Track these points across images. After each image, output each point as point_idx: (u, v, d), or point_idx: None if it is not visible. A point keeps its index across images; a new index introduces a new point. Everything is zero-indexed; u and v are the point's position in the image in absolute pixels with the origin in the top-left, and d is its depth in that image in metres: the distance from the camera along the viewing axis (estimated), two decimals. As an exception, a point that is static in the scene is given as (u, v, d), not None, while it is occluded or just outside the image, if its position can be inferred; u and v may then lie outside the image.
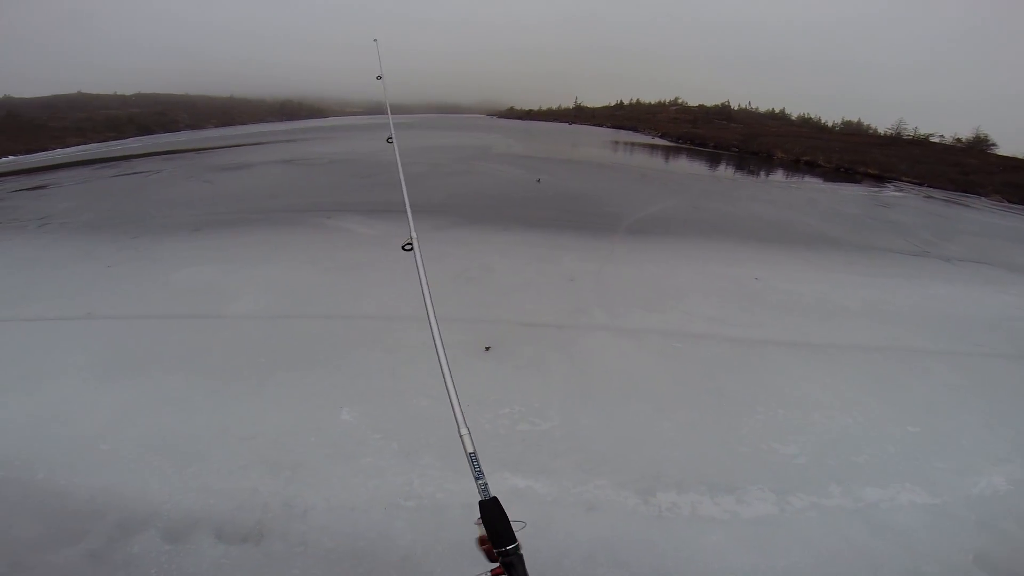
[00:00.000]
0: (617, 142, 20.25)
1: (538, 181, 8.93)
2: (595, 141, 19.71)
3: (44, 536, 2.43)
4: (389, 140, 2.72)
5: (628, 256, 6.13)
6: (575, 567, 2.27)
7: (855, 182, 16.11)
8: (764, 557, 2.33)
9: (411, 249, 2.02)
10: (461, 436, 1.26)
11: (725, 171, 16.45)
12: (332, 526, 2.44)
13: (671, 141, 28.22)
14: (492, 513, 1.04)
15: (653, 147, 21.75)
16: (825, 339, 4.37)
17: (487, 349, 3.93)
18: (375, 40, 3.69)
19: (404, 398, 3.32)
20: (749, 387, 3.62)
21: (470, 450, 1.19)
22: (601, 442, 3.03)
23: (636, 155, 17.83)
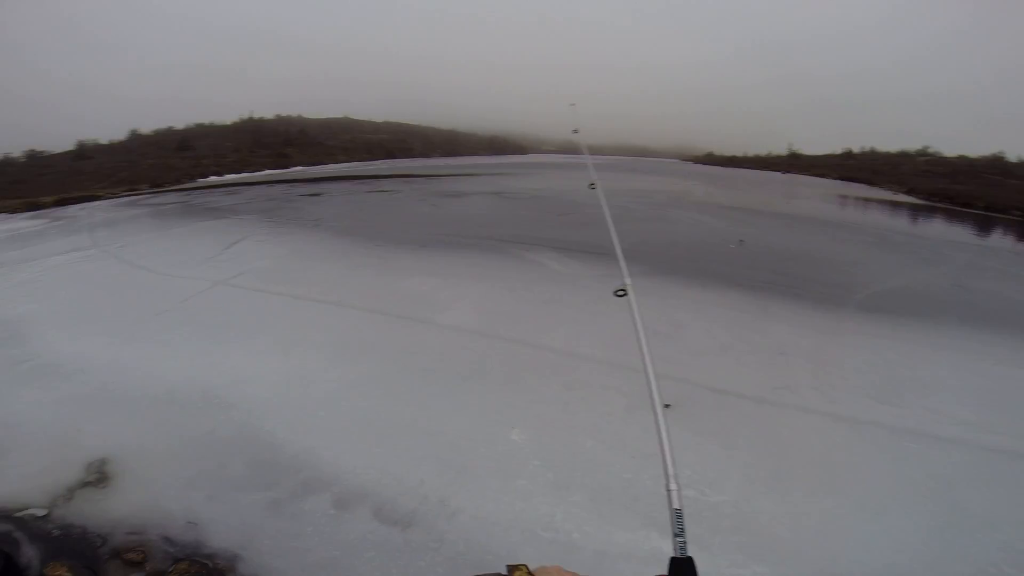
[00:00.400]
0: (846, 197, 17.37)
1: (740, 242, 8.02)
2: (816, 194, 17.26)
3: (246, 478, 2.98)
4: (592, 187, 2.84)
5: (859, 337, 5.14)
6: None
7: None
8: None
9: (624, 295, 2.04)
10: (669, 491, 1.20)
11: (1002, 241, 12.74)
12: (470, 534, 2.58)
13: (920, 199, 23.03)
14: (685, 572, 0.96)
15: (895, 205, 18.03)
16: None
17: (667, 407, 3.71)
18: (573, 104, 3.94)
19: (571, 434, 3.37)
20: (1000, 507, 2.82)
21: (676, 506, 1.13)
22: (775, 529, 2.64)
23: (871, 214, 14.96)
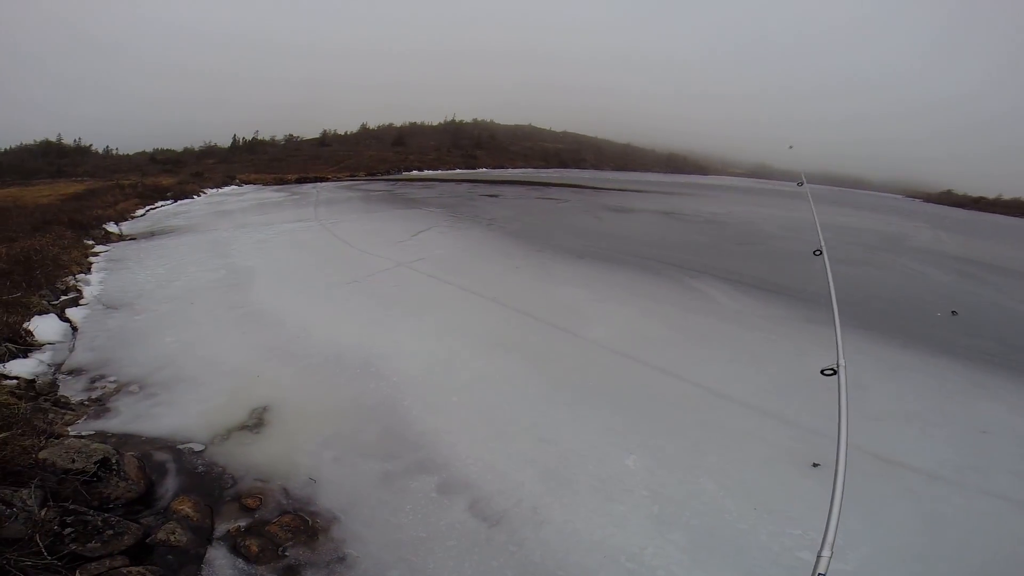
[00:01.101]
0: None
1: (953, 314, 6.43)
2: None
3: (373, 447, 3.20)
4: (817, 253, 2.57)
5: None
6: None
7: None
8: None
9: (832, 374, 1.85)
10: (819, 556, 1.18)
11: None
12: (552, 546, 2.56)
13: None
14: None
15: None
16: None
17: (815, 466, 3.25)
18: (791, 147, 3.59)
19: (692, 473, 3.16)
20: None
21: (822, 572, 1.12)
22: None
23: None
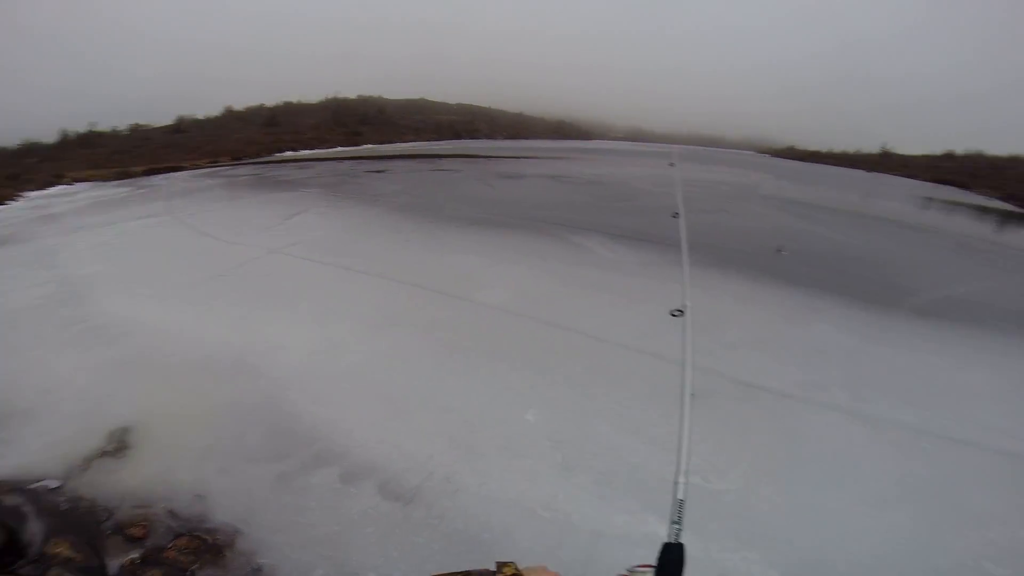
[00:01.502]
0: (931, 199, 15.76)
1: (779, 251, 7.55)
2: (899, 195, 15.83)
3: (260, 450, 3.00)
4: (675, 215, 2.86)
5: (904, 338, 4.86)
6: None
7: None
8: None
9: (680, 315, 2.10)
10: (677, 482, 1.36)
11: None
12: (472, 511, 2.66)
13: (1017, 205, 20.49)
14: (674, 556, 1.11)
15: (985, 211, 16.17)
16: None
17: (691, 396, 3.76)
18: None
19: (587, 417, 3.44)
20: (1002, 504, 2.79)
21: (681, 496, 1.29)
22: (772, 518, 2.69)
23: (956, 219, 13.55)
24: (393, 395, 3.68)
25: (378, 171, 15.30)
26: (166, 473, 2.89)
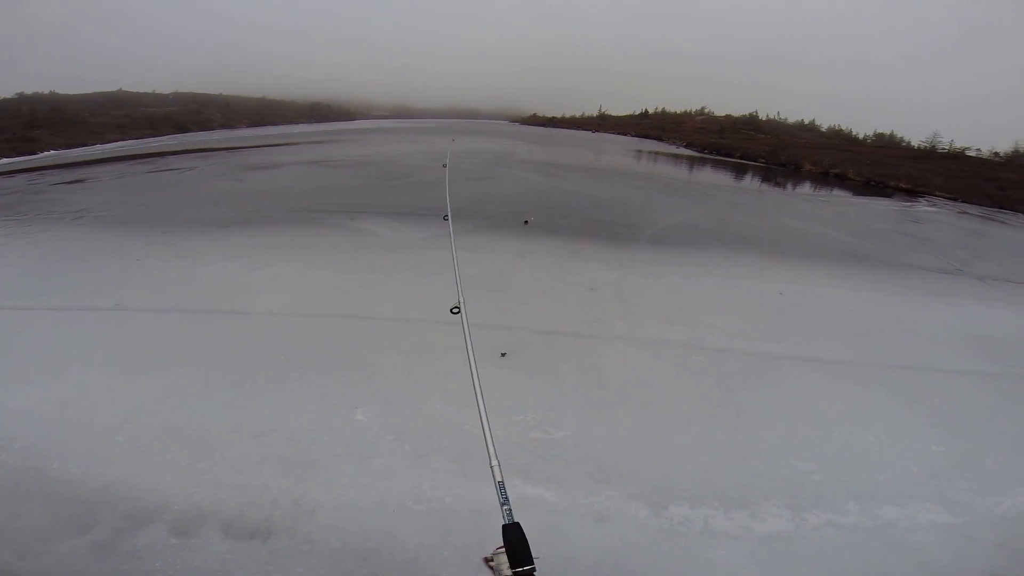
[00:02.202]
0: (641, 151, 20.09)
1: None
2: (618, 150, 19.61)
3: (53, 526, 2.45)
4: (452, 140, 2.75)
5: (650, 267, 6.05)
6: None
7: (886, 196, 15.65)
8: (774, 573, 2.27)
9: (458, 312, 2.03)
10: (492, 467, 1.34)
11: (751, 183, 16.15)
12: (340, 526, 2.43)
13: (696, 151, 27.83)
14: (514, 536, 1.14)
15: (677, 157, 21.48)
16: (850, 356, 4.25)
17: (503, 355, 3.92)
18: (453, 140, 3.78)
19: (419, 400, 3.33)
20: (769, 403, 3.54)
21: (499, 479, 1.27)
22: (614, 453, 2.98)
23: (660, 165, 17.64)
24: (190, 434, 2.97)
25: (74, 181, 11.60)
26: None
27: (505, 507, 1.21)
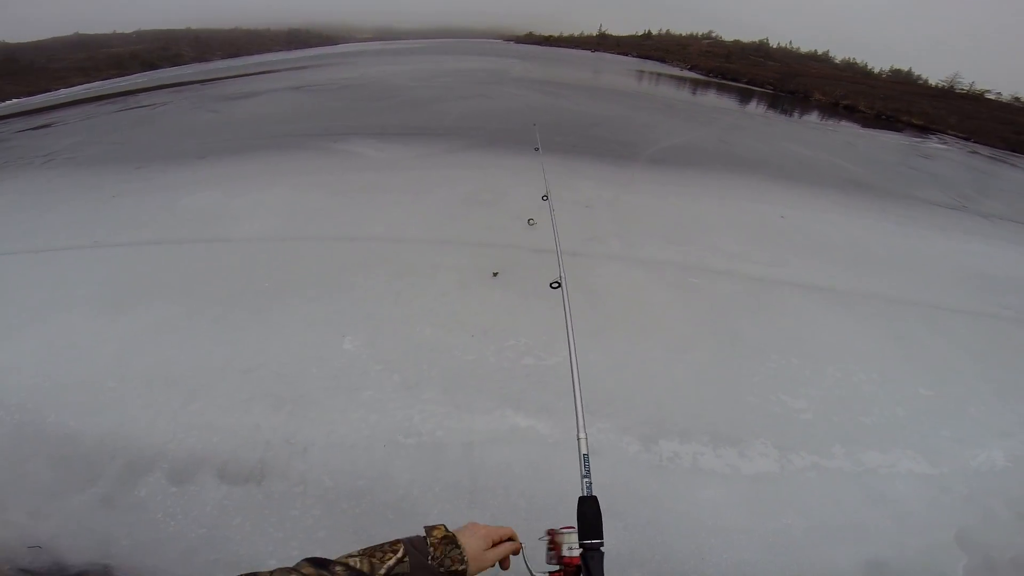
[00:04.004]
0: (642, 72, 18.97)
1: (495, 275, 7.65)
2: (618, 70, 18.51)
3: (59, 482, 2.43)
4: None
5: (648, 186, 5.80)
6: (569, 512, 2.19)
7: (896, 131, 14.97)
8: (757, 518, 2.25)
9: (558, 287, 1.80)
10: (579, 439, 1.25)
11: (756, 108, 15.40)
12: (332, 464, 2.39)
13: (700, 75, 26.34)
14: (590, 508, 1.08)
15: (680, 79, 20.33)
16: (849, 285, 4.14)
17: (495, 275, 3.79)
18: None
19: (408, 326, 3.20)
20: (765, 331, 3.45)
21: (584, 451, 1.21)
22: (608, 382, 2.90)
23: (661, 86, 16.70)
24: (178, 374, 2.88)
25: (39, 127, 10.94)
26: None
27: (586, 479, 1.16)
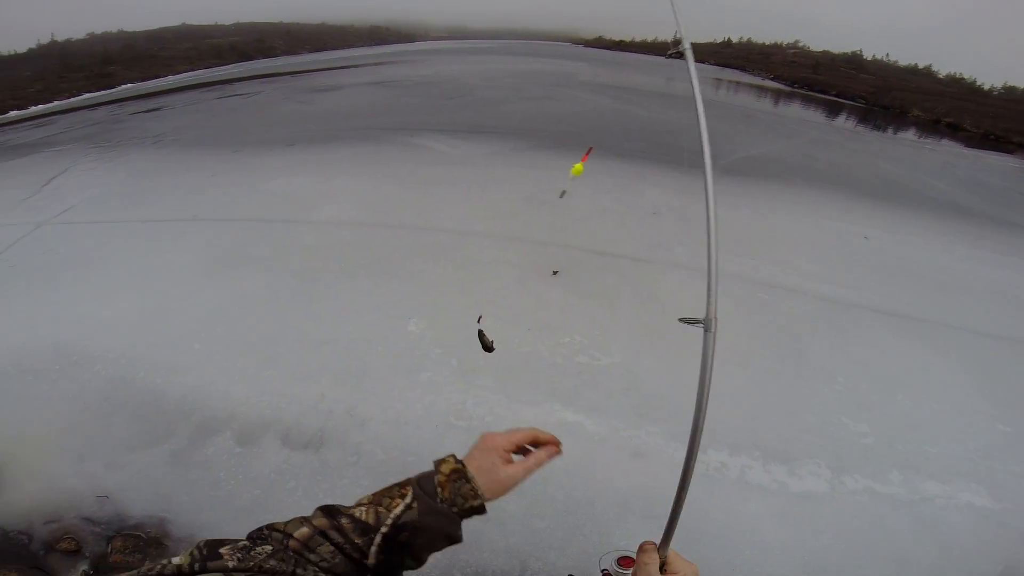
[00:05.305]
0: (719, 80, 18.27)
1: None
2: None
3: (138, 436, 2.61)
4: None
5: (721, 197, 5.39)
6: (606, 511, 2.22)
7: (1007, 152, 13.49)
8: (798, 535, 2.18)
9: (697, 323, 1.81)
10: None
11: (846, 122, 14.38)
12: (386, 438, 2.50)
13: (784, 85, 24.96)
14: None
15: (762, 89, 19.37)
16: (932, 315, 3.83)
17: (555, 273, 3.84)
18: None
19: (468, 315, 3.30)
20: (834, 353, 3.28)
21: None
22: (661, 387, 2.88)
23: (740, 95, 15.99)
24: (259, 341, 3.12)
25: (150, 110, 12.16)
26: (54, 484, 2.42)
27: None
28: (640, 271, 3.99)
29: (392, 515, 0.66)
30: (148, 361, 3.01)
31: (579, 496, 2.26)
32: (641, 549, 0.85)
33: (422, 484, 0.70)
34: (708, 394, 0.87)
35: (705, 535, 2.15)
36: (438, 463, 0.74)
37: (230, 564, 0.55)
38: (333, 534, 0.63)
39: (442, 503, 0.69)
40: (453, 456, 0.75)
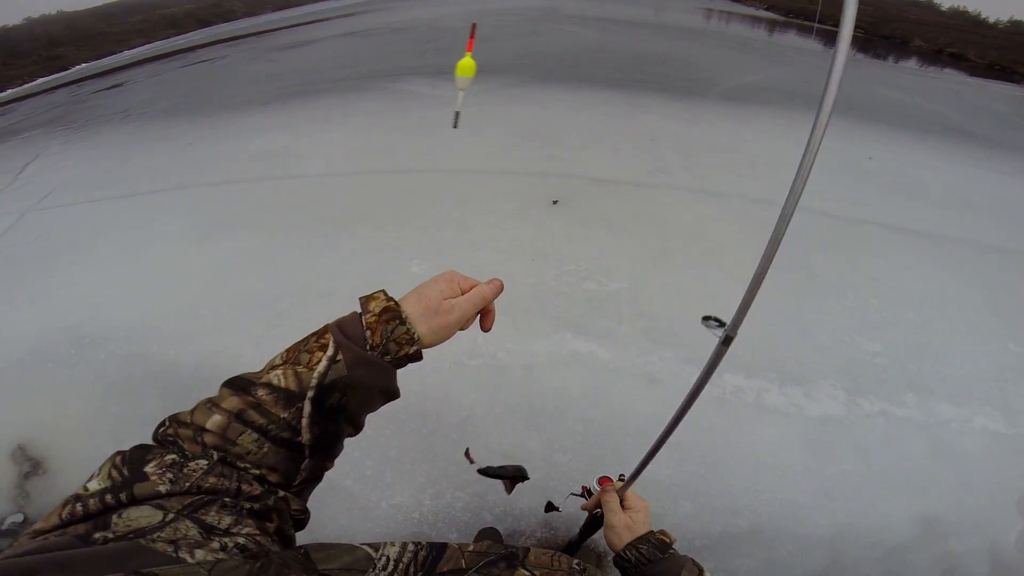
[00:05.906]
0: (711, 10, 17.41)
1: (555, 203, 7.33)
2: (685, 7, 17.09)
3: (163, 410, 2.55)
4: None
5: (719, 120, 5.43)
6: (625, 440, 2.20)
7: (1012, 82, 13.04)
8: (816, 460, 2.17)
9: (720, 325, 1.68)
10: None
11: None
12: (402, 384, 2.43)
13: (779, 15, 23.87)
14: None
15: (756, 19, 18.51)
16: (940, 229, 3.75)
17: (555, 203, 3.74)
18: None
19: (470, 250, 3.26)
20: (843, 270, 3.21)
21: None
22: (672, 310, 2.81)
23: (734, 25, 15.29)
24: (264, 299, 2.99)
25: (112, 87, 11.50)
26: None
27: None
28: (641, 195, 3.89)
29: (316, 374, 0.54)
30: (159, 333, 2.91)
31: (598, 427, 2.25)
32: (604, 489, 0.95)
33: (344, 329, 0.58)
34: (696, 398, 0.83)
35: (723, 460, 2.15)
36: (365, 300, 0.61)
37: (162, 489, 0.45)
38: (252, 414, 0.52)
39: (371, 351, 0.57)
40: (383, 292, 0.62)
